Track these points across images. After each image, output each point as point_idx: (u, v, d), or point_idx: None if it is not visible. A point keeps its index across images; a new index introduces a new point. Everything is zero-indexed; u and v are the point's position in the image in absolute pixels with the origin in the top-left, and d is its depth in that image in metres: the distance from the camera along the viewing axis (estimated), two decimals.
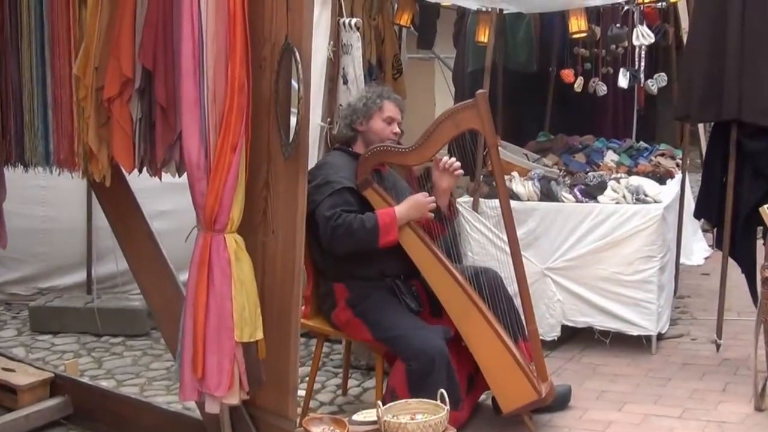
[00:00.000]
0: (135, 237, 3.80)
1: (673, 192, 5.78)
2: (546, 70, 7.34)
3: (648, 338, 5.26)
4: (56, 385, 4.32)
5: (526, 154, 6.31)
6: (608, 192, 5.31)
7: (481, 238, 5.30)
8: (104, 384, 4.83)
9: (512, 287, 4.34)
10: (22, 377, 4.29)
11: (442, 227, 4.38)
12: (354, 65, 5.16)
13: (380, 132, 4.31)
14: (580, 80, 6.54)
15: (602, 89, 6.54)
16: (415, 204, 4.21)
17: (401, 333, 4.04)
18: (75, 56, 3.26)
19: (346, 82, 5.20)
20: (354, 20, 5.14)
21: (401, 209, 4.18)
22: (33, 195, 6.19)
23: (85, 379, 4.71)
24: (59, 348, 5.67)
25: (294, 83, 3.25)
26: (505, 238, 4.26)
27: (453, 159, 4.35)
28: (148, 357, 5.48)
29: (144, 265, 3.81)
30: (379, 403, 3.50)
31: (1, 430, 3.95)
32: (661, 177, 5.92)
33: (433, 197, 4.26)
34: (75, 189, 5.75)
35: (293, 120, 3.25)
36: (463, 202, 5.38)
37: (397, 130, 4.36)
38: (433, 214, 4.26)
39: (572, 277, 5.27)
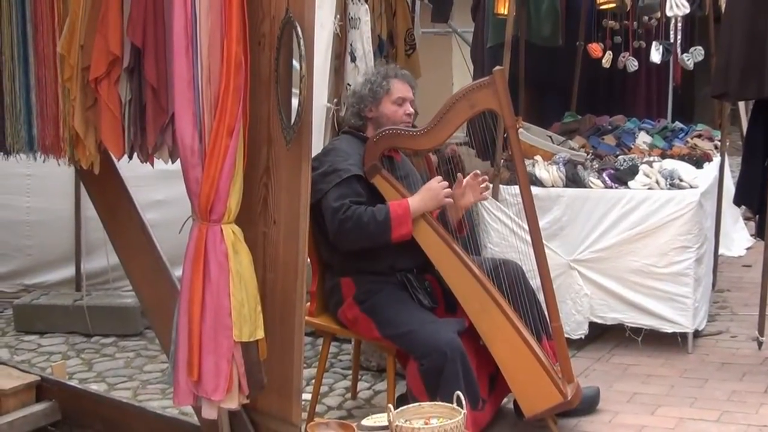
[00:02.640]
0: (126, 229, 3.81)
1: (710, 176, 5.77)
2: (572, 45, 7.31)
3: (684, 336, 5.26)
4: (43, 388, 4.33)
5: (550, 137, 6.30)
6: (640, 177, 5.30)
7: (502, 227, 5.30)
8: (94, 387, 4.86)
9: (535, 281, 4.34)
10: (5, 380, 4.29)
11: (458, 230, 4.40)
12: (362, 41, 5.17)
13: (392, 116, 4.31)
14: (608, 55, 6.52)
15: (633, 65, 6.52)
16: (429, 193, 4.21)
17: (411, 329, 4.05)
18: (59, 33, 3.26)
19: (354, 60, 5.21)
20: None
21: (415, 200, 4.18)
22: (17, 184, 6.24)
23: (73, 383, 4.72)
24: (46, 349, 5.72)
25: (296, 61, 3.25)
26: (527, 227, 4.27)
27: (484, 176, 4.38)
28: (141, 358, 5.51)
29: (136, 260, 3.82)
30: (390, 406, 3.51)
31: None
32: (698, 160, 5.90)
33: (446, 183, 4.26)
34: (62, 177, 5.76)
35: (295, 101, 3.25)
36: None
37: (411, 110, 4.36)
38: (450, 200, 4.26)
39: (601, 269, 5.27)
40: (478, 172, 4.42)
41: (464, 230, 4.46)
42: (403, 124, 4.32)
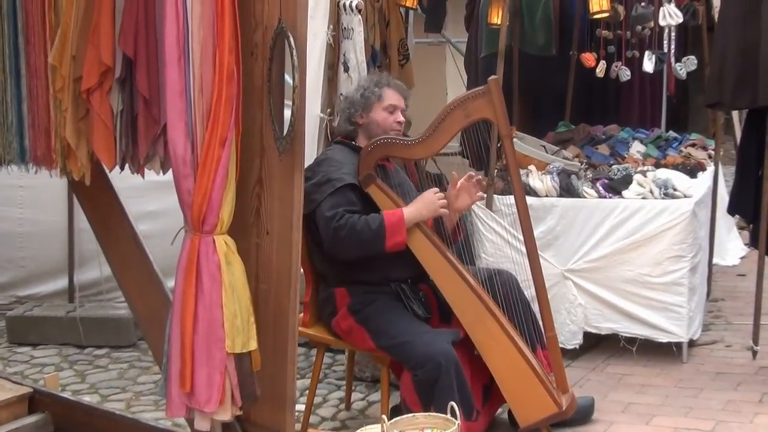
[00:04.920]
0: (118, 240, 3.80)
1: (704, 186, 5.77)
2: (566, 54, 7.32)
3: (678, 345, 5.25)
4: (35, 400, 4.31)
5: (544, 146, 6.30)
6: (634, 186, 5.30)
7: (496, 238, 5.29)
8: (87, 399, 4.84)
9: (529, 291, 4.34)
10: None
11: (454, 234, 4.40)
12: (356, 51, 5.16)
13: (383, 123, 4.32)
14: (602, 64, 6.53)
15: (625, 74, 6.53)
16: (424, 202, 4.21)
17: (405, 340, 4.05)
18: (50, 45, 3.26)
19: (347, 70, 5.21)
20: (355, 2, 5.14)
21: (410, 209, 4.18)
22: (10, 195, 6.22)
23: (66, 394, 4.70)
24: (39, 361, 5.70)
25: (288, 71, 3.24)
26: (522, 237, 4.27)
27: (478, 176, 4.38)
28: (135, 370, 5.50)
29: (128, 271, 3.81)
30: (384, 417, 3.50)
31: None
32: (692, 169, 5.90)
33: (442, 194, 4.26)
34: (55, 189, 5.77)
35: (288, 111, 3.25)
36: None
37: (401, 118, 4.36)
38: (446, 210, 4.25)
39: (595, 279, 5.26)
40: (472, 173, 4.42)
41: (459, 236, 4.45)
42: (393, 131, 4.32)
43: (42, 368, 5.54)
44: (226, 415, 3.21)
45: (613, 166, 5.73)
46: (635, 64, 6.56)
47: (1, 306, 6.40)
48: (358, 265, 4.18)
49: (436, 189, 4.28)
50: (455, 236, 4.43)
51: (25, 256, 6.37)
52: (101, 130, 3.21)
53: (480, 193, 4.48)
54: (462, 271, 4.23)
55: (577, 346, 5.33)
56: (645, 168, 5.72)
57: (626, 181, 5.36)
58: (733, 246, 7.54)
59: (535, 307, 4.31)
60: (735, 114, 7.57)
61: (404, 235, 4.13)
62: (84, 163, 3.30)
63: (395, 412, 4.08)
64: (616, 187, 5.34)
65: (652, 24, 6.19)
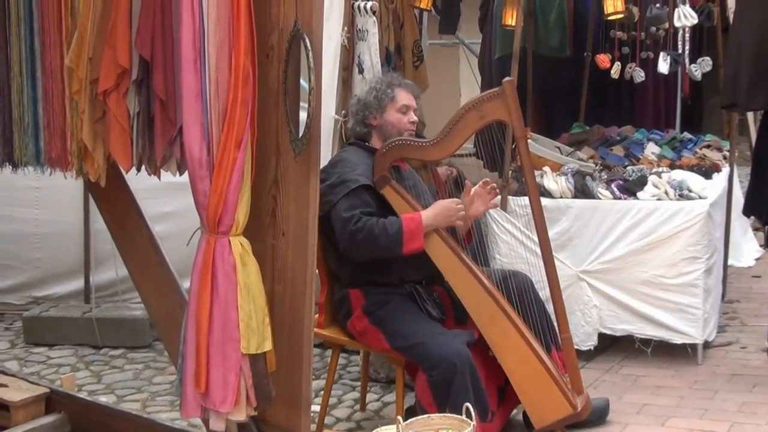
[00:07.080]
0: (135, 241, 3.81)
1: (719, 187, 5.74)
2: (580, 56, 7.31)
3: (693, 347, 5.23)
4: (52, 401, 4.33)
5: (558, 147, 6.29)
6: (649, 188, 5.29)
7: (510, 239, 5.29)
8: (104, 400, 4.85)
9: (544, 292, 4.33)
10: (15, 393, 4.30)
11: (466, 238, 4.40)
12: (370, 53, 5.17)
13: (397, 123, 4.32)
14: (616, 66, 6.52)
15: (639, 75, 6.52)
16: (443, 210, 4.20)
17: (420, 341, 4.04)
18: (67, 47, 3.28)
19: (361, 71, 5.21)
20: (370, 3, 5.15)
21: (428, 215, 4.17)
22: (25, 197, 6.25)
23: (83, 395, 4.73)
24: (55, 361, 5.72)
25: (304, 73, 3.25)
26: (536, 238, 4.26)
27: (492, 185, 4.38)
28: (150, 370, 5.51)
29: (145, 272, 3.82)
30: (399, 418, 3.50)
31: None
32: (707, 171, 5.88)
33: (462, 205, 4.26)
34: (71, 190, 5.78)
35: (304, 113, 3.25)
36: None
37: (414, 118, 4.37)
38: (461, 222, 4.26)
39: (610, 280, 5.25)
40: (488, 180, 4.42)
41: (472, 240, 4.46)
42: (407, 132, 4.33)
43: (58, 368, 5.56)
44: (241, 416, 3.22)
45: (628, 168, 5.71)
46: (649, 66, 6.55)
47: (17, 306, 6.43)
48: (372, 266, 4.19)
49: (458, 200, 4.28)
50: (468, 241, 4.43)
51: (41, 256, 6.39)
52: (118, 131, 3.22)
53: (494, 200, 4.47)
54: (477, 273, 4.22)
55: (592, 348, 5.32)
56: (660, 169, 5.70)
57: (641, 182, 5.34)
58: (748, 247, 7.51)
59: (550, 309, 4.30)
60: (750, 115, 7.57)
61: (422, 241, 4.12)
62: (100, 165, 3.31)
63: (410, 413, 4.08)
64: (630, 189, 5.32)
65: (666, 25, 6.18)
